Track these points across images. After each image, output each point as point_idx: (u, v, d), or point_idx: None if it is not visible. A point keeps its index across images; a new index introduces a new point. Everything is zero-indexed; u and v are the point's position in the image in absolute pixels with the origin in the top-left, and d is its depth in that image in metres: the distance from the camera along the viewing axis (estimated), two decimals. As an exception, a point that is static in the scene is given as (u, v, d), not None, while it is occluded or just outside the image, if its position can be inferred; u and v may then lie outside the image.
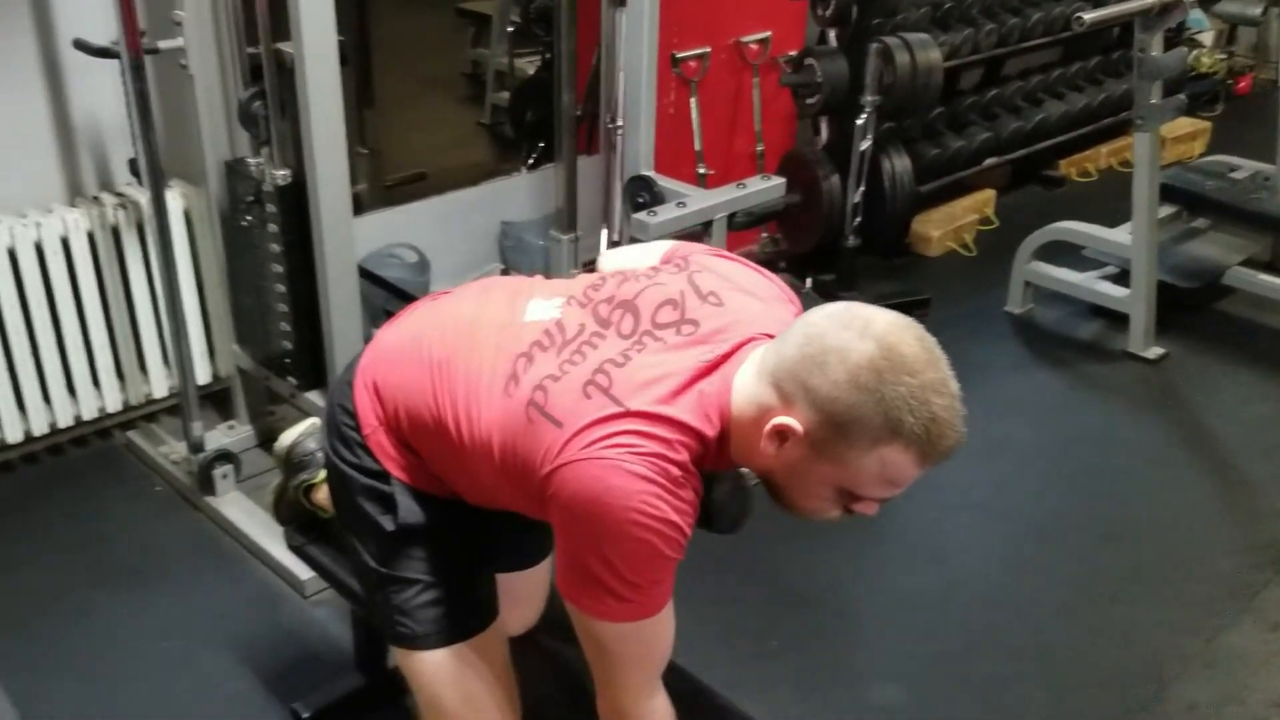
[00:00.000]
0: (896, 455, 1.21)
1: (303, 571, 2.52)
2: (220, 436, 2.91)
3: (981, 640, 2.48)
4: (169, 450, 2.90)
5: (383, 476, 1.56)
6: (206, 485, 2.73)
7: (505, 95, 5.01)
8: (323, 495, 1.94)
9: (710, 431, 1.30)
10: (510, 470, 1.39)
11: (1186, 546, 2.80)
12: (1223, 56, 5.79)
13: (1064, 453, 3.16)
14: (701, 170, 3.65)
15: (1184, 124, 5.08)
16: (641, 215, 2.70)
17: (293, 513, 2.02)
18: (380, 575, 1.61)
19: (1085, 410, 3.40)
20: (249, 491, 2.80)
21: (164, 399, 3.01)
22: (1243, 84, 5.87)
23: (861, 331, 1.22)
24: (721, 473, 1.50)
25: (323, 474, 1.97)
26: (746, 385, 1.31)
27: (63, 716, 2.20)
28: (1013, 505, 2.92)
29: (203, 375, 2.94)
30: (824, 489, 1.29)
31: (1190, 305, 3.81)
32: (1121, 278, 3.73)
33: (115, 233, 2.79)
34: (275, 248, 2.56)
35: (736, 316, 1.40)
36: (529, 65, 4.73)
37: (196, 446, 2.73)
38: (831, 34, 3.77)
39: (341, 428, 1.59)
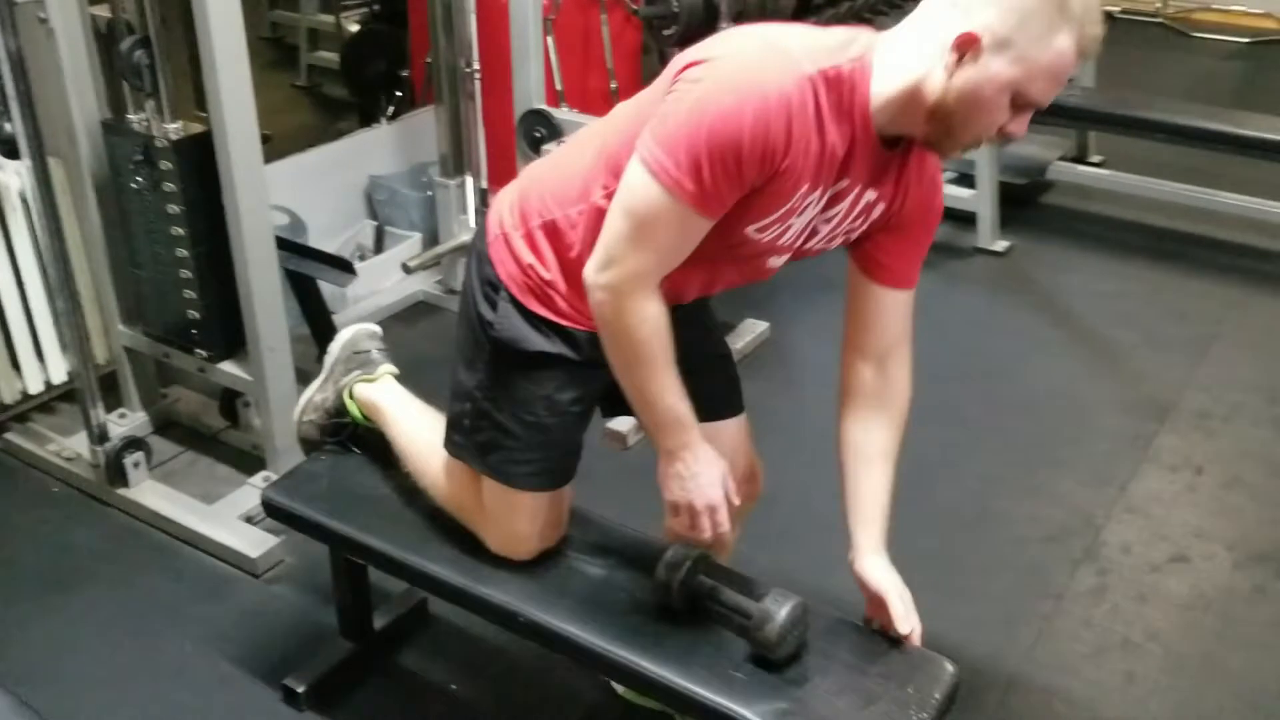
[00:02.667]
0: (1064, 41, 1.31)
1: (252, 550, 2.38)
2: (111, 426, 2.67)
3: (929, 517, 2.60)
4: (59, 447, 2.65)
5: (494, 288, 1.64)
6: (118, 477, 2.51)
7: (323, 55, 4.83)
8: (366, 394, 1.97)
9: (854, 53, 1.39)
10: (651, 94, 1.47)
11: (1080, 411, 3.04)
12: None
13: (947, 343, 3.34)
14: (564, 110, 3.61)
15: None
16: (551, 147, 2.65)
17: (323, 423, 2.04)
18: (472, 400, 1.70)
19: (954, 303, 3.60)
20: (162, 478, 2.61)
21: (39, 395, 2.74)
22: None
23: None
24: (782, 604, 1.60)
25: (381, 370, 1.99)
26: (908, 34, 1.40)
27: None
28: (920, 394, 3.07)
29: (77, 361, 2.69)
30: (999, 96, 1.35)
31: (1022, 201, 4.10)
32: (961, 180, 3.96)
33: (-33, 216, 2.51)
34: (174, 208, 2.37)
35: None
36: (349, 21, 4.56)
37: (102, 436, 2.50)
38: (676, -36, 3.79)
39: (476, 250, 1.69)
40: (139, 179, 2.39)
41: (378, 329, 2.08)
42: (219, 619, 2.27)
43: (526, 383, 1.67)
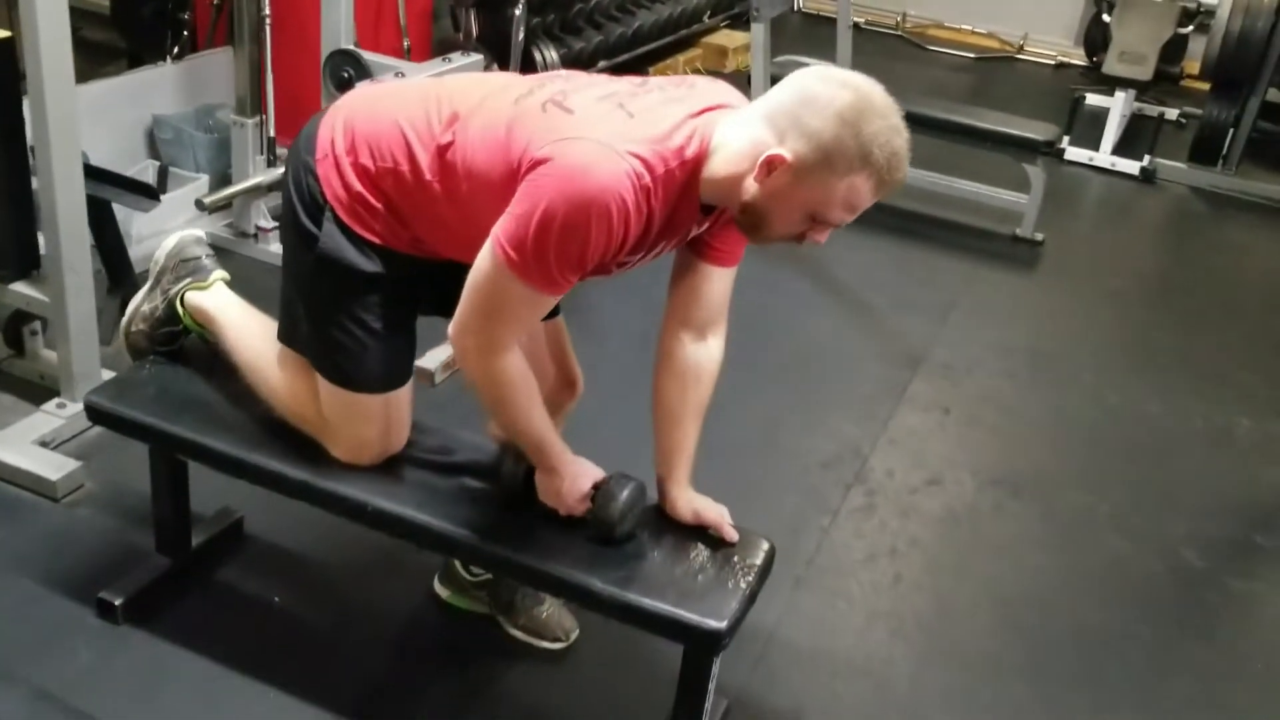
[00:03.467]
0: (862, 183, 1.47)
1: (51, 473, 2.30)
2: (-123, 354, 2.51)
3: (723, 449, 2.76)
4: None
5: (318, 207, 1.71)
6: (-108, 401, 2.36)
7: (87, -4, 4.56)
8: (198, 301, 1.96)
9: (689, 154, 1.52)
10: (496, 158, 1.55)
11: (847, 361, 3.37)
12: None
13: (735, 303, 3.55)
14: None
15: (742, 37, 5.77)
16: (364, 85, 2.69)
17: (153, 332, 2.00)
18: (300, 306, 1.78)
19: (740, 269, 3.85)
20: (-59, 406, 2.47)
21: None
22: None
23: (842, 84, 1.49)
24: (623, 486, 1.73)
25: (214, 276, 1.95)
26: (737, 131, 1.54)
27: None
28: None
29: None
30: (797, 212, 1.52)
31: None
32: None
33: None
34: (-32, 117, 2.26)
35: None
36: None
37: (-126, 357, 2.34)
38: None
39: (300, 164, 1.73)
40: (-71, 82, 2.26)
41: (203, 234, 2.07)
42: (20, 542, 2.19)
43: (351, 295, 1.74)
